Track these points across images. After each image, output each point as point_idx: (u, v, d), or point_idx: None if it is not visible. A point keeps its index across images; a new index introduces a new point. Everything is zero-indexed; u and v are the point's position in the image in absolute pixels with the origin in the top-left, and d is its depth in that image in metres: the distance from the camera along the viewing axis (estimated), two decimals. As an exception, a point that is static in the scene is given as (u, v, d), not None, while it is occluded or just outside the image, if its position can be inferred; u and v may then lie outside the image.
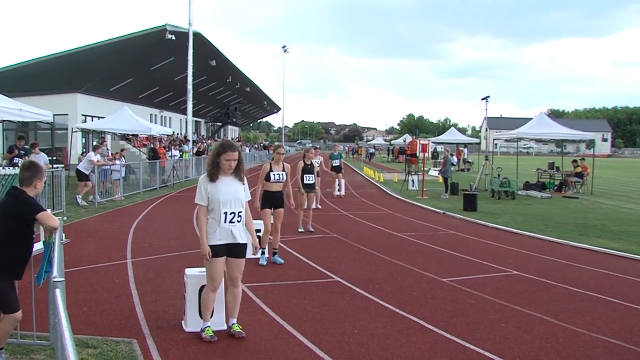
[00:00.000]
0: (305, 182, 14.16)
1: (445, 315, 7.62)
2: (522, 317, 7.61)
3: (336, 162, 24.07)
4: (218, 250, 6.35)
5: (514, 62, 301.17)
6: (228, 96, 67.93)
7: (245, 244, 6.53)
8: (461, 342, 6.53)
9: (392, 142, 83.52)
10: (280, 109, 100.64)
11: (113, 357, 5.81)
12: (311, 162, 14.42)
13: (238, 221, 6.42)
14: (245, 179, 6.56)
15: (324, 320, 7.31)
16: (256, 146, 79.63)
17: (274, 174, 10.74)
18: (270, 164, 10.91)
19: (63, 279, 4.37)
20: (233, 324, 6.60)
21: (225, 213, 6.32)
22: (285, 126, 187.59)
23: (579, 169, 28.28)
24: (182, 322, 6.91)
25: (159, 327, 6.83)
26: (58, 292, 3.92)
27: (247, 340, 6.47)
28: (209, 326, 6.50)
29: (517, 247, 12.81)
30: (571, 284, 9.48)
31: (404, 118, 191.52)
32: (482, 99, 28.30)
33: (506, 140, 29.50)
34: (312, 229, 14.50)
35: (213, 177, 6.33)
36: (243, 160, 6.55)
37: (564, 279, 9.84)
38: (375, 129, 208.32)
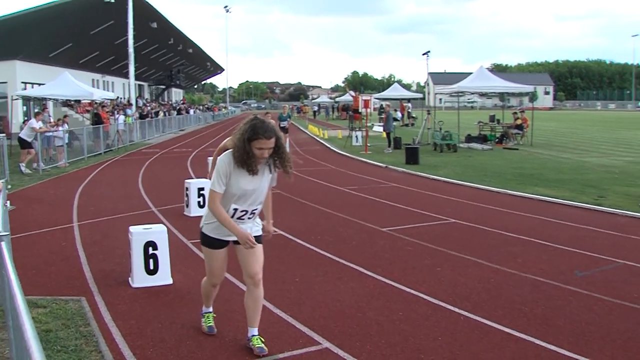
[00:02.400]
0: None
1: (384, 262, 7.96)
2: (457, 261, 8.02)
3: (284, 123, 23.51)
4: (215, 242, 5.09)
5: (458, 17, 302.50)
6: (171, 58, 66.78)
7: (260, 235, 5.20)
8: (398, 286, 6.88)
9: (337, 99, 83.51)
10: (223, 69, 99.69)
11: (63, 315, 5.94)
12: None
13: (249, 218, 5.03)
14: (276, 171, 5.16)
15: (266, 271, 7.50)
16: (200, 108, 78.71)
17: None
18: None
19: (8, 233, 4.46)
20: (253, 335, 5.13)
21: (236, 210, 4.90)
22: (230, 87, 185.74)
23: (519, 121, 29.07)
24: (129, 278, 7.06)
25: (107, 285, 6.98)
26: (3, 244, 4.02)
27: (191, 292, 6.67)
28: (210, 312, 5.63)
29: (456, 197, 13.28)
30: (506, 229, 9.95)
31: (348, 75, 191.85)
32: (423, 54, 28.61)
33: (450, 95, 29.98)
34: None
35: (243, 164, 4.79)
36: (284, 147, 5.05)
37: (500, 225, 10.30)
38: (320, 87, 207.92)
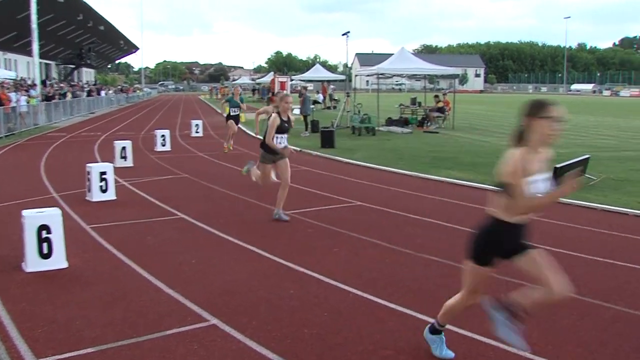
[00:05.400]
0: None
1: (282, 243, 8.48)
2: (355, 242, 8.59)
3: (235, 111, 19.91)
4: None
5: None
6: (80, 36, 65.47)
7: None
8: (293, 266, 7.39)
9: (259, 81, 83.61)
10: (138, 48, 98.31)
11: (-50, 299, 6.19)
12: (288, 117, 10.18)
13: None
14: None
15: (164, 253, 7.99)
16: (113, 89, 77.22)
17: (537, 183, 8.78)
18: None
19: None
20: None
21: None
22: (146, 67, 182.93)
23: (440, 104, 30.05)
24: (22, 263, 7.31)
25: (0, 270, 7.24)
26: None
27: (86, 274, 7.05)
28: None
29: (366, 181, 13.91)
30: (411, 212, 10.58)
31: (272, 56, 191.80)
32: (343, 35, 29.09)
33: (377, 77, 30.65)
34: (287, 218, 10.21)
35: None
36: None
37: (405, 207, 10.93)
38: (242, 67, 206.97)
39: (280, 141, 9.83)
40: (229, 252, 8.07)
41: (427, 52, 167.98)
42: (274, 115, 9.86)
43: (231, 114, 20.00)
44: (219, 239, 8.77)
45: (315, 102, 44.31)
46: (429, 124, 29.09)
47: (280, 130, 9.79)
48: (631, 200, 11.60)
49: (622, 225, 9.75)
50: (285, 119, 9.82)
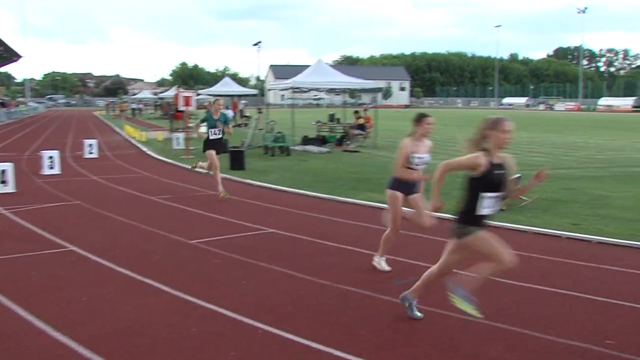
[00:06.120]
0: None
1: (185, 276, 8.47)
2: (266, 273, 8.66)
3: (216, 133, 15.24)
4: None
5: (304, 2, 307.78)
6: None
7: None
8: (196, 301, 7.40)
9: (162, 95, 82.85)
10: (20, 56, 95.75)
11: None
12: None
13: None
14: None
15: (50, 291, 7.84)
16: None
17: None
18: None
19: None
20: None
21: None
22: (31, 78, 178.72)
23: (361, 121, 30.49)
24: None
25: None
26: None
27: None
28: None
29: (280, 205, 13.99)
30: (327, 239, 10.72)
31: (176, 67, 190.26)
32: (254, 45, 29.32)
33: (293, 91, 30.85)
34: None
35: None
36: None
37: (322, 234, 11.07)
38: (143, 80, 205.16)
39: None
40: (126, 288, 8.00)
41: (348, 63, 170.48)
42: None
43: (210, 137, 15.25)
44: (114, 274, 8.67)
45: (224, 119, 44.08)
46: (348, 142, 29.46)
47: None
48: (563, 221, 12.07)
49: (554, 248, 10.13)
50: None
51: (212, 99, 17.82)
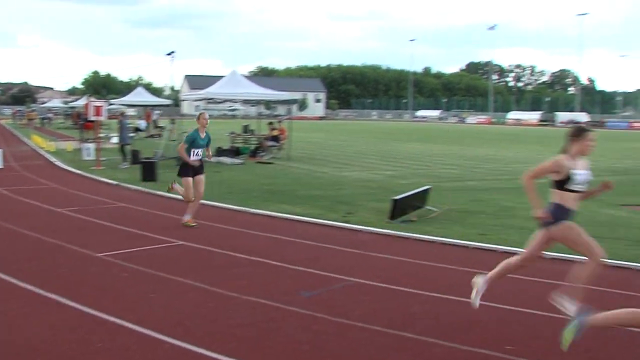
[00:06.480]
0: None
1: (91, 290, 8.30)
2: (175, 286, 8.57)
3: (198, 154, 13.15)
4: None
5: (218, 12, 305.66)
6: None
7: None
8: (102, 316, 7.24)
9: (73, 104, 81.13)
10: None
11: None
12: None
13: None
14: None
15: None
16: None
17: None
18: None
19: None
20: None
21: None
22: None
23: (275, 132, 30.58)
24: None
25: None
26: None
27: None
28: None
29: (191, 217, 13.87)
30: (238, 251, 10.68)
31: (88, 76, 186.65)
32: (167, 55, 29.08)
33: (208, 102, 30.70)
34: None
35: None
36: None
37: (233, 246, 11.02)
38: (53, 89, 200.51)
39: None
40: (26, 303, 7.77)
41: (264, 74, 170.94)
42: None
43: (191, 158, 13.01)
44: (13, 288, 8.42)
45: (136, 129, 43.82)
46: (262, 154, 29.49)
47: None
48: (472, 232, 12.34)
49: (462, 258, 10.35)
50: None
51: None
